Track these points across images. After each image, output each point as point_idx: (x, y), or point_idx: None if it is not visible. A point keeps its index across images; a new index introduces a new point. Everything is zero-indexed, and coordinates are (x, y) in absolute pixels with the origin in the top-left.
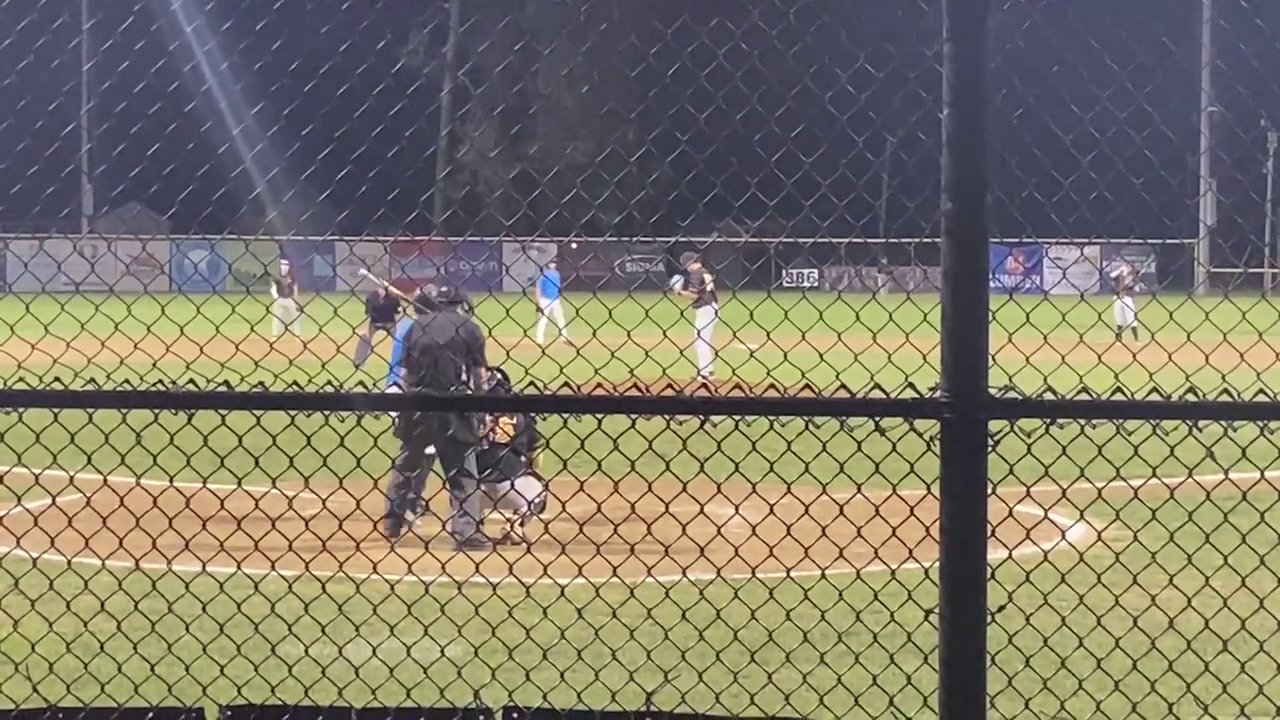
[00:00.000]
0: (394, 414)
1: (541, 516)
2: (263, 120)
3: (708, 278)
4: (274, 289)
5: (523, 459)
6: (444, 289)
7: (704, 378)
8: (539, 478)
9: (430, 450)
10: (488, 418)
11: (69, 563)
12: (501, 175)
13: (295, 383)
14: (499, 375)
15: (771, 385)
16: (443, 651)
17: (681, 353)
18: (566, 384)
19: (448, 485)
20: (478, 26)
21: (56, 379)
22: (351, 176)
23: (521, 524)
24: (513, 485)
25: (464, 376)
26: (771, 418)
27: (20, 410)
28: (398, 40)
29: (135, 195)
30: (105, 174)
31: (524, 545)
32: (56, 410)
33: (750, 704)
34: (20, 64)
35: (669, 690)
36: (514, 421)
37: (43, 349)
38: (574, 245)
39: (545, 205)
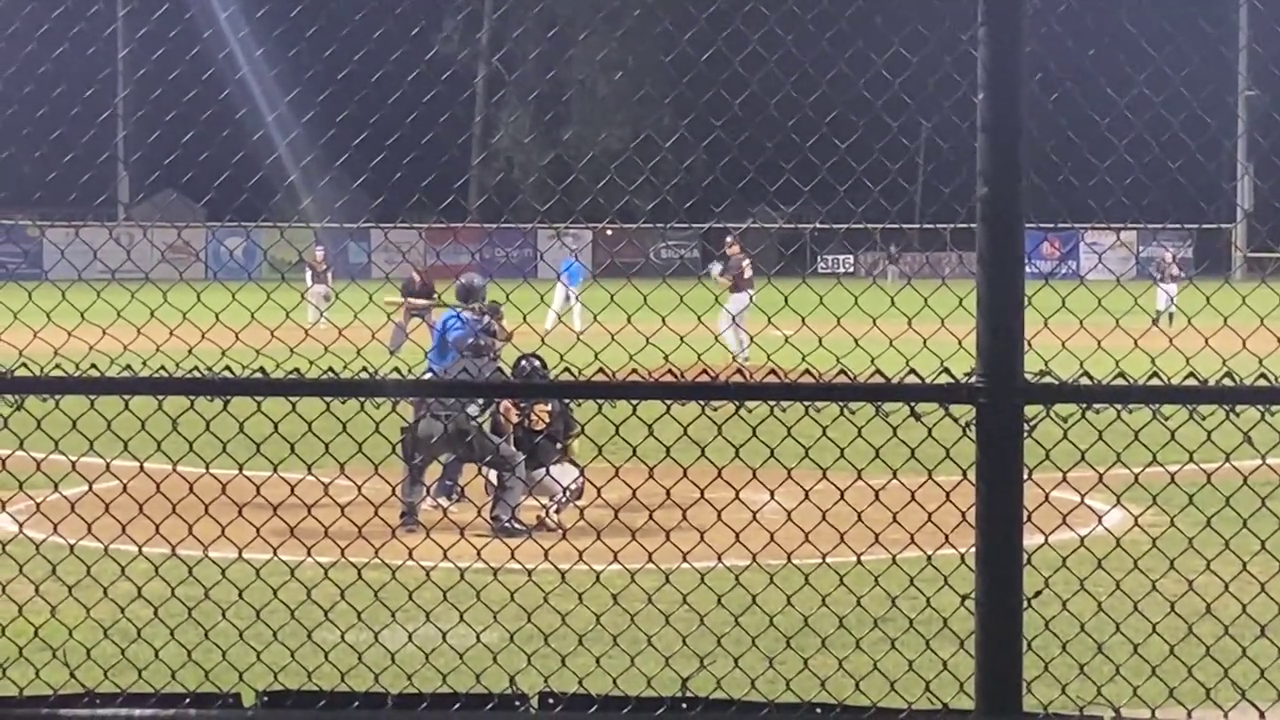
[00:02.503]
0: (403, 434)
1: (578, 503)
2: (297, 107)
3: (745, 264)
4: (309, 275)
5: (558, 446)
6: (477, 340)
7: (740, 363)
8: (575, 464)
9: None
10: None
11: (106, 549)
12: (536, 161)
13: (331, 369)
14: (536, 362)
15: (807, 371)
16: (478, 637)
17: (717, 339)
18: (602, 370)
19: (483, 473)
20: (512, 12)
21: (93, 366)
22: (386, 163)
23: (557, 510)
24: (548, 472)
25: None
26: (807, 403)
27: (57, 397)
28: (432, 27)
29: (171, 182)
30: (141, 161)
31: (559, 531)
32: (93, 397)
33: (786, 690)
34: (56, 51)
35: (704, 676)
36: (549, 408)
37: (79, 336)
38: (609, 232)
39: (580, 191)
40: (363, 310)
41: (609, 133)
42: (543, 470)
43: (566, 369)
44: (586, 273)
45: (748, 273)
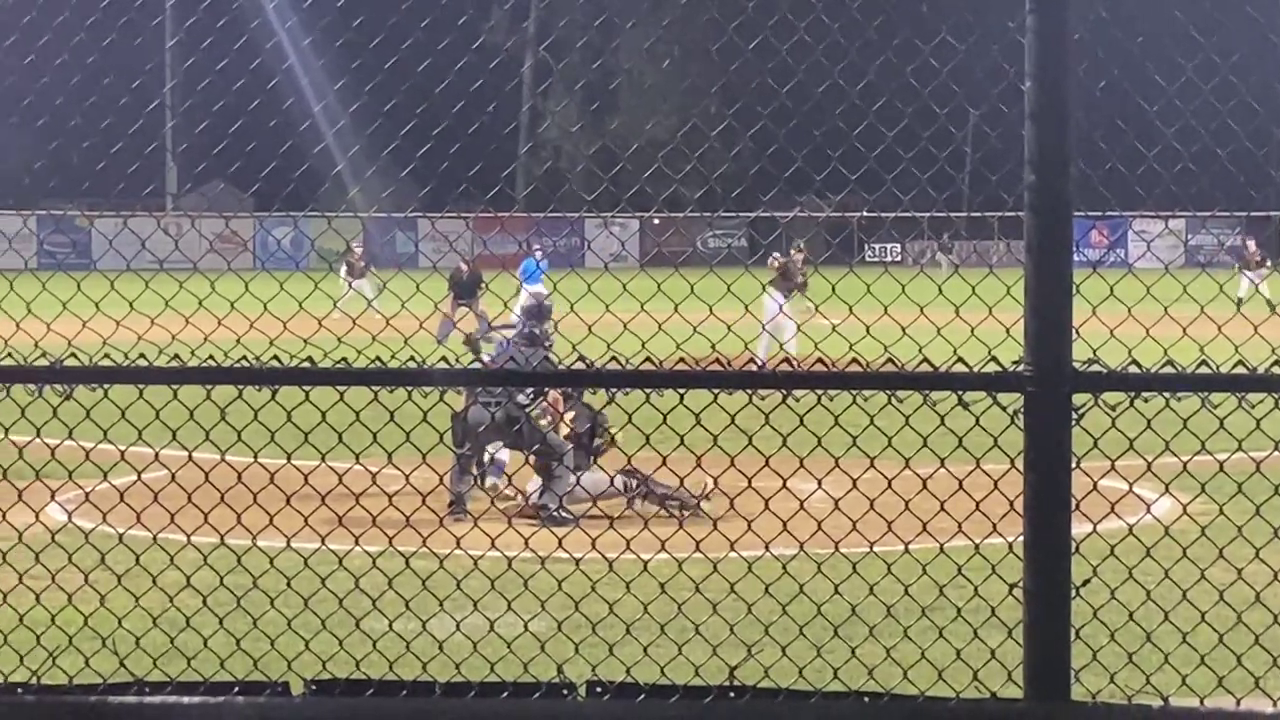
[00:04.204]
0: (453, 421)
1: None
2: (345, 97)
3: (797, 270)
4: (344, 270)
5: (590, 454)
6: (530, 329)
7: (787, 352)
8: (605, 471)
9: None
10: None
11: (154, 538)
12: (583, 150)
13: (378, 359)
14: (589, 410)
15: (854, 360)
16: (526, 626)
17: (764, 327)
18: (649, 359)
19: (531, 463)
20: (559, 2)
21: (142, 356)
22: (433, 152)
23: (545, 511)
24: (578, 481)
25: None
26: (854, 392)
27: (106, 387)
28: (479, 16)
29: (219, 173)
30: (189, 152)
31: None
32: (142, 387)
33: (834, 678)
34: (104, 42)
35: (752, 665)
36: (572, 415)
37: (128, 326)
38: (656, 221)
39: (627, 180)
40: (410, 300)
41: (656, 122)
42: (570, 476)
43: (614, 358)
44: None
45: (800, 279)
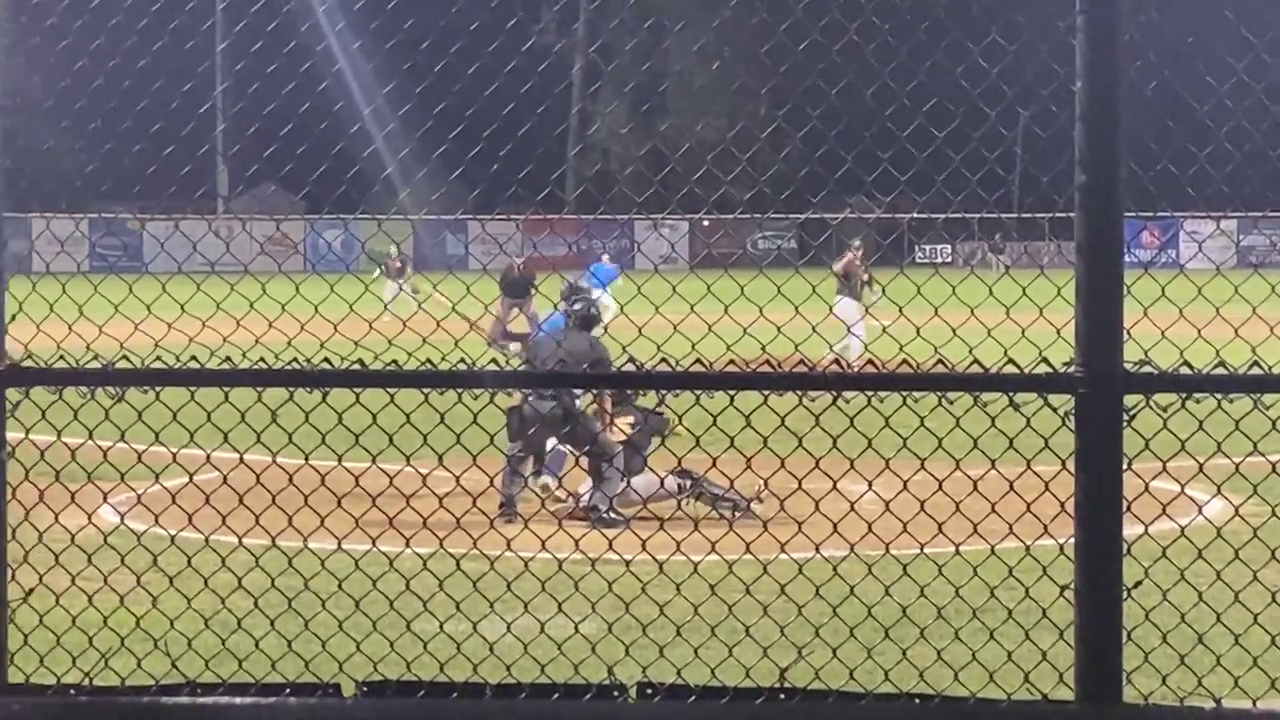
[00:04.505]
0: (509, 415)
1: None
2: (395, 99)
3: (858, 269)
4: (381, 270)
5: (643, 455)
6: (578, 308)
7: (835, 352)
8: (656, 474)
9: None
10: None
11: (206, 540)
12: (632, 152)
13: (428, 361)
14: (647, 416)
15: (904, 361)
16: (577, 628)
17: (814, 329)
18: (699, 361)
19: (583, 465)
20: (608, 4)
21: (193, 358)
22: (483, 155)
23: (593, 512)
24: (629, 483)
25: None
26: (905, 393)
27: (157, 389)
28: (529, 18)
29: (269, 175)
30: (239, 154)
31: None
32: (193, 389)
33: (884, 680)
34: (155, 45)
35: (803, 667)
36: (630, 420)
37: (179, 329)
38: (705, 222)
39: (676, 182)
40: (460, 302)
41: (705, 123)
42: (619, 476)
43: (664, 360)
44: (616, 273)
45: (864, 276)
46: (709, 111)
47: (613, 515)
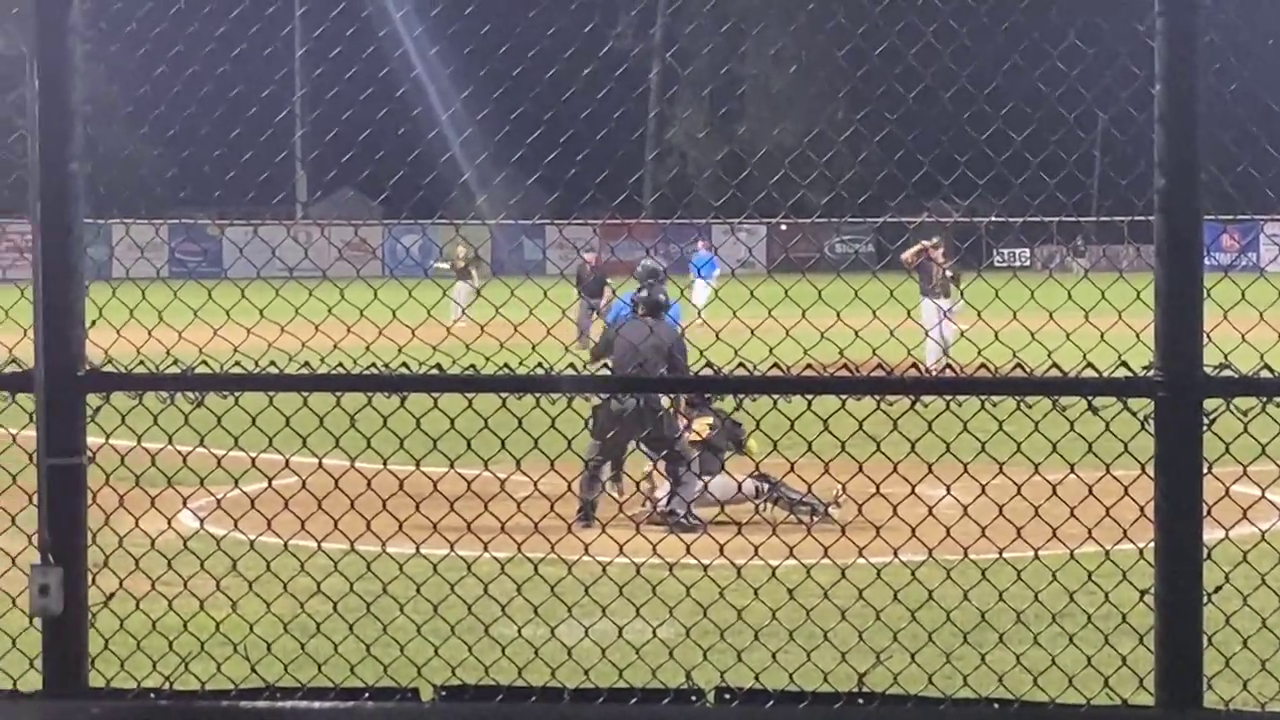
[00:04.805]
0: (594, 411)
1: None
2: (472, 104)
3: (941, 264)
4: (450, 266)
5: (721, 458)
6: (645, 294)
7: (919, 360)
8: (734, 477)
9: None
10: (681, 421)
11: (285, 545)
12: (710, 157)
13: (506, 365)
14: (725, 420)
15: (983, 365)
16: (655, 632)
17: (891, 333)
18: (776, 365)
19: (658, 468)
20: (685, 8)
21: (272, 363)
22: (561, 159)
23: (673, 516)
24: (707, 486)
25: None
26: (983, 397)
27: (236, 394)
28: (606, 23)
29: (348, 180)
30: (318, 160)
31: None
32: (272, 394)
33: (963, 685)
34: (234, 51)
35: (881, 671)
36: (709, 422)
37: (258, 334)
38: (783, 226)
39: (754, 186)
40: (537, 306)
41: (782, 127)
42: (696, 481)
43: (741, 364)
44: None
45: (947, 273)
46: (786, 115)
47: (690, 520)
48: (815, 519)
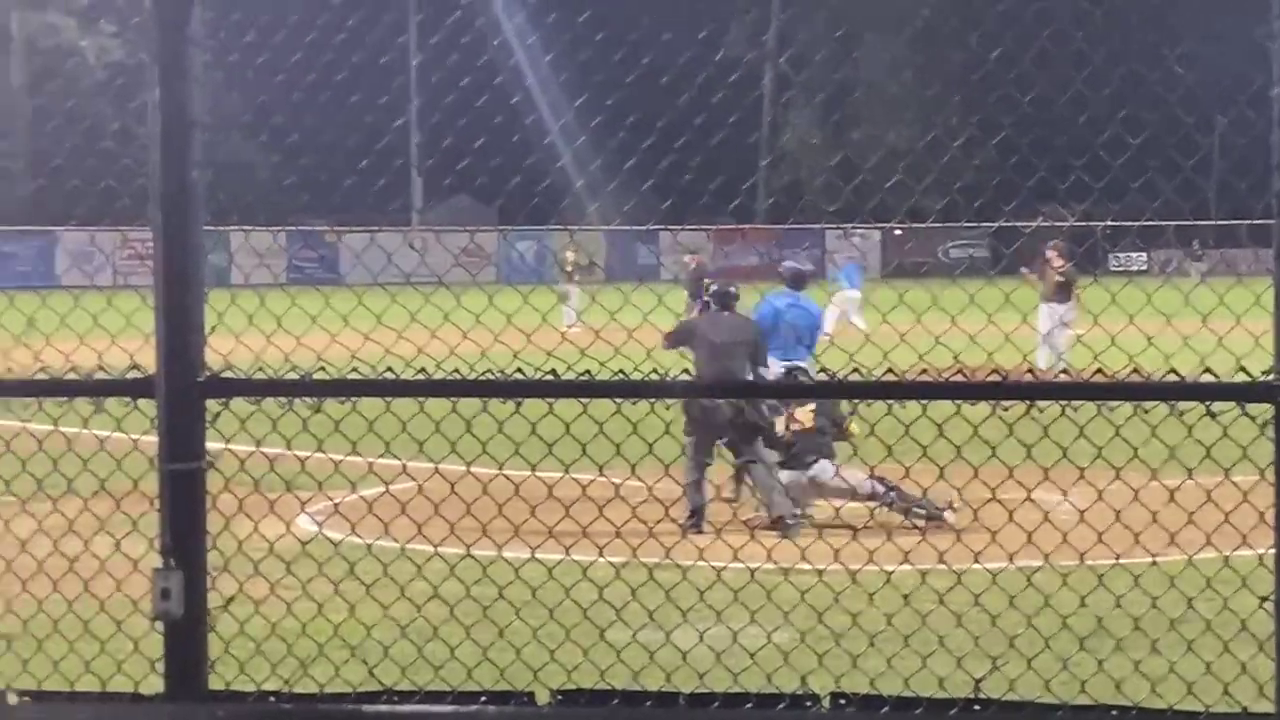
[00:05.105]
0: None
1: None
2: (586, 111)
3: (1056, 267)
4: (560, 272)
5: (826, 444)
6: (718, 289)
7: (1034, 364)
8: (851, 473)
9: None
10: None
11: (403, 549)
12: (824, 162)
13: (621, 371)
14: (825, 404)
15: (1099, 370)
16: (769, 638)
17: (1006, 337)
18: (890, 370)
19: (739, 473)
20: (799, 14)
21: (389, 369)
22: (674, 165)
23: (887, 508)
24: (838, 471)
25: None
26: (1099, 403)
27: (354, 400)
28: (719, 29)
29: (463, 187)
30: (433, 167)
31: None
32: (389, 399)
33: (1080, 692)
34: (350, 60)
35: (997, 678)
36: (811, 409)
37: (375, 339)
38: (897, 232)
39: (868, 191)
40: (651, 312)
41: (897, 132)
42: (824, 467)
43: (855, 369)
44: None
45: (1066, 278)
46: (901, 120)
47: (797, 519)
48: (931, 524)
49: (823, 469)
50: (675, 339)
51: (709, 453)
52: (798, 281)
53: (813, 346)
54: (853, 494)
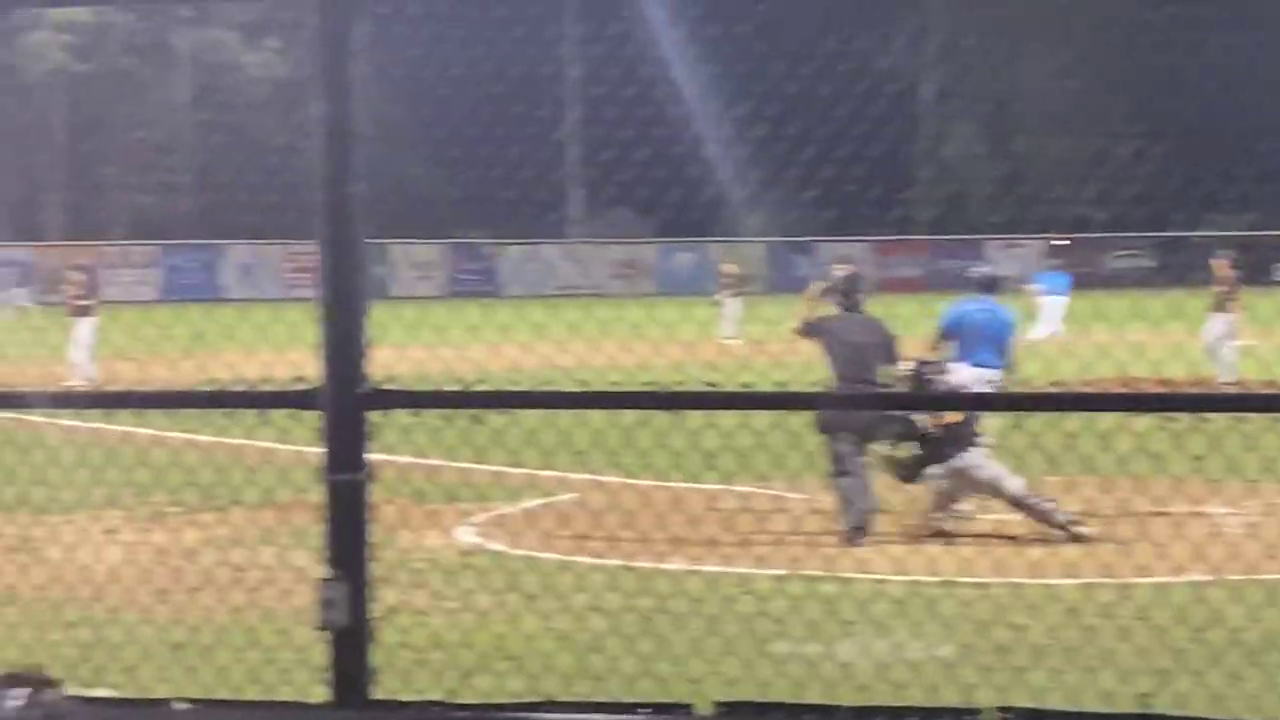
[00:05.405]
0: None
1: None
2: (745, 123)
3: (1222, 277)
4: (722, 285)
5: (972, 436)
6: (845, 292)
7: (1204, 376)
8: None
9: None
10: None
11: (564, 561)
12: (987, 173)
13: (781, 383)
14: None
15: (1270, 381)
16: (933, 651)
17: (1174, 350)
18: (1056, 381)
19: (838, 474)
20: (961, 23)
21: (548, 381)
22: (834, 176)
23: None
24: (983, 461)
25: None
26: (1272, 414)
27: (515, 411)
28: (879, 40)
29: (621, 199)
30: (592, 180)
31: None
32: (550, 411)
33: (1252, 708)
34: (510, 75)
35: (1166, 693)
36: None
37: (535, 351)
38: (1062, 242)
39: (1031, 202)
40: (778, 322)
41: (1061, 142)
42: (970, 462)
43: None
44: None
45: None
46: (1065, 130)
47: (860, 531)
48: (1066, 532)
49: (970, 459)
50: (810, 329)
51: (858, 453)
52: (988, 286)
53: (1004, 351)
54: (998, 491)
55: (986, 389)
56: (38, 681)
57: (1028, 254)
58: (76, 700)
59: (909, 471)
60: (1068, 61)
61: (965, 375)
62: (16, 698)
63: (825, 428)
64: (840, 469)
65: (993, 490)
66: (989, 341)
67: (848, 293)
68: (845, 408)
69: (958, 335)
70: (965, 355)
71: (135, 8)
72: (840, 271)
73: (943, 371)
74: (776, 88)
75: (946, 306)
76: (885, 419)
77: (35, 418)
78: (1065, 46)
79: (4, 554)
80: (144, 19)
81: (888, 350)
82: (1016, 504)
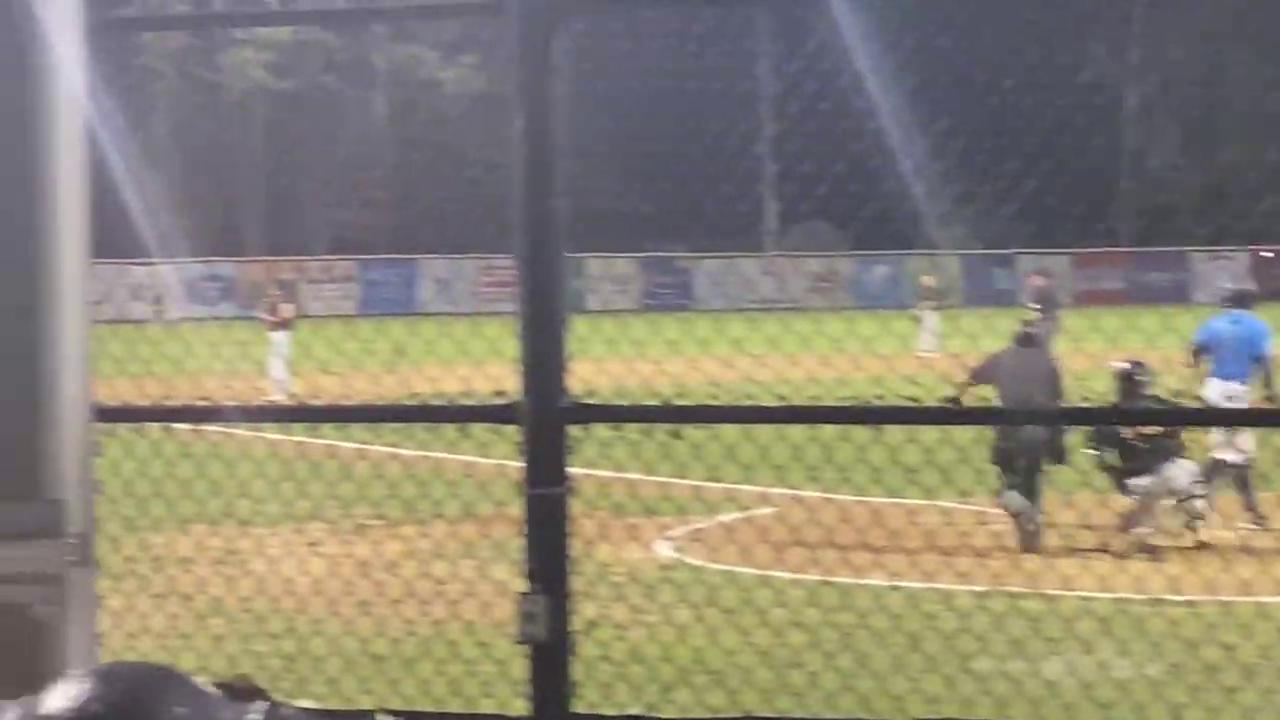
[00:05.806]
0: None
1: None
2: (943, 135)
3: None
4: (921, 298)
5: (1175, 449)
6: (1022, 329)
7: None
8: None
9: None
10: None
11: (763, 576)
12: (1192, 183)
13: (984, 398)
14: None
15: None
16: (1141, 671)
17: None
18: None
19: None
20: (1162, 29)
21: (747, 395)
22: (1034, 189)
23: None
24: (1187, 470)
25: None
26: None
27: (714, 425)
28: (1079, 51)
29: (818, 212)
30: (788, 191)
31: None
32: (748, 425)
33: None
34: (704, 89)
35: None
36: None
37: (733, 365)
38: (1269, 254)
39: (1238, 212)
40: (978, 336)
41: (1271, 151)
42: (1172, 471)
43: (1197, 396)
44: None
45: None
46: (1275, 138)
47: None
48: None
49: (1175, 470)
50: (980, 375)
51: (1030, 476)
52: (1241, 300)
53: (1260, 363)
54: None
55: (1226, 404)
56: (249, 692)
57: (1234, 267)
58: (312, 714)
59: (1116, 478)
60: (1277, 69)
61: (1209, 390)
62: (257, 711)
63: (1000, 459)
64: (1019, 487)
65: (1178, 487)
66: (1241, 355)
67: (1023, 337)
68: (1045, 424)
69: (1211, 349)
70: (1217, 369)
71: (335, 26)
72: (1037, 283)
73: (1151, 375)
74: (977, 100)
75: (1199, 323)
76: (1057, 450)
77: (241, 431)
78: (1273, 53)
79: (210, 566)
80: (343, 37)
81: (1052, 391)
82: (1187, 487)
